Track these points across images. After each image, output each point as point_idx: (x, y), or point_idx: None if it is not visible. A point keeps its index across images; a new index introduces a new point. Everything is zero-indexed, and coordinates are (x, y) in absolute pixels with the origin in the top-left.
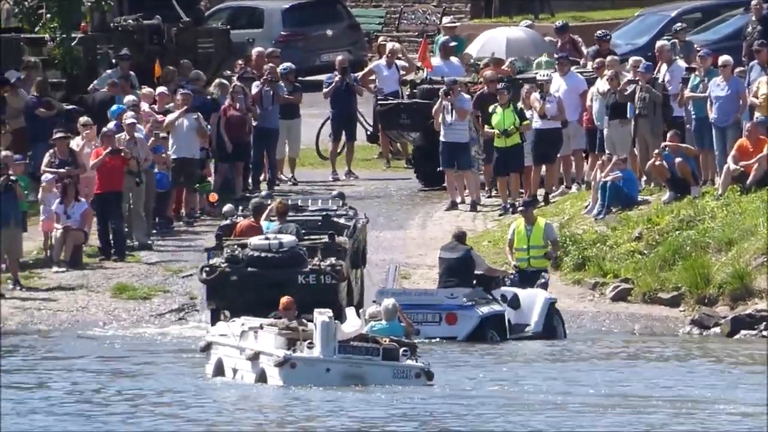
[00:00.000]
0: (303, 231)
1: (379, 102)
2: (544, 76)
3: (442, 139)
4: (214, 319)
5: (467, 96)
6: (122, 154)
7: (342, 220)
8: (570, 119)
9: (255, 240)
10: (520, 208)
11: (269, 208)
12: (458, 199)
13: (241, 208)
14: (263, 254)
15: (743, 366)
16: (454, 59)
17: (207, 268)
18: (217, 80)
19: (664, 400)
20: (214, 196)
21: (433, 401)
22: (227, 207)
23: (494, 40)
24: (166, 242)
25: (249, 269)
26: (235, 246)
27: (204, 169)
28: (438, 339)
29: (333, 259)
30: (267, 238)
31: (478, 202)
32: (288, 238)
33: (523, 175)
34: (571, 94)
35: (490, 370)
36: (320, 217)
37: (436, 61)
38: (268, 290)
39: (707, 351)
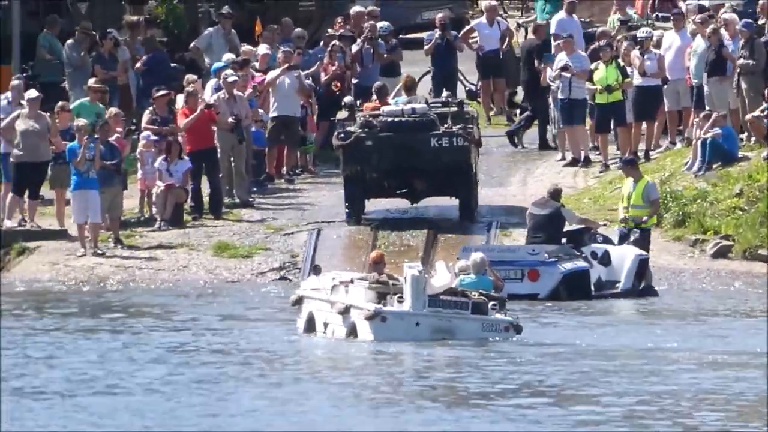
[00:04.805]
0: None
1: None
2: (644, 32)
3: (560, 96)
4: (348, 192)
5: (583, 54)
6: (212, 109)
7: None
8: (682, 76)
9: (388, 107)
10: (621, 165)
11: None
12: (574, 156)
13: (359, 101)
14: (396, 119)
15: None
16: (574, 15)
17: (342, 134)
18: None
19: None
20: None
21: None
22: (348, 98)
23: None
24: (267, 200)
25: (383, 134)
26: (368, 115)
27: (306, 126)
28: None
29: (463, 124)
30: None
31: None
32: (420, 105)
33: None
34: (684, 51)
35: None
36: (440, 102)
37: (561, 14)
38: (403, 154)
39: None
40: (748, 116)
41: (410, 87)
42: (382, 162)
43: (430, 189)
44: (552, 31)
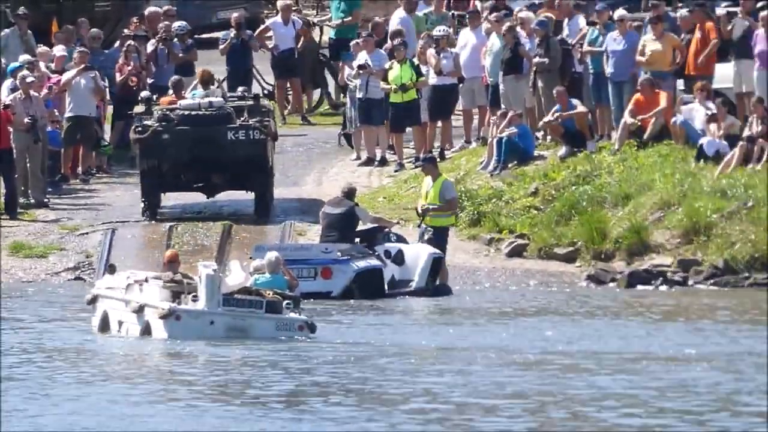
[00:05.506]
0: None
1: None
2: (440, 31)
3: (358, 96)
4: (144, 186)
5: (383, 52)
6: (8, 109)
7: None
8: (478, 75)
9: (185, 101)
10: (418, 164)
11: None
12: (369, 155)
13: (155, 96)
14: (193, 113)
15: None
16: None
17: (139, 128)
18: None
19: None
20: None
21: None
22: (144, 93)
23: None
24: (62, 200)
25: (180, 127)
26: (165, 109)
27: (101, 126)
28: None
29: (259, 117)
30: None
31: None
32: (216, 99)
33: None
34: (479, 50)
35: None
36: (236, 96)
37: (400, 12)
38: (200, 147)
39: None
40: (542, 122)
41: (207, 81)
42: (179, 155)
43: (227, 183)
44: (393, 28)
